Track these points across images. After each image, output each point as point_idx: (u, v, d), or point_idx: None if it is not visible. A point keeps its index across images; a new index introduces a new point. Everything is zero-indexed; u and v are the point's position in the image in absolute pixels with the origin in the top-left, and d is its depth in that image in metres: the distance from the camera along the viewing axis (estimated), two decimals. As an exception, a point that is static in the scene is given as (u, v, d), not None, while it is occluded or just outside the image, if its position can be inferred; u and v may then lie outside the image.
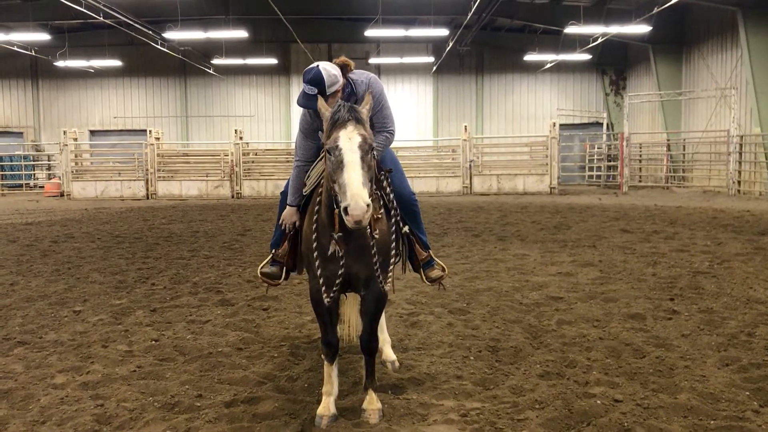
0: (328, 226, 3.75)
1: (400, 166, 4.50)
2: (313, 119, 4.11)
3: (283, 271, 4.54)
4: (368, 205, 3.27)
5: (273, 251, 4.55)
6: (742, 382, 4.38)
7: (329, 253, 3.77)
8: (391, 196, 4.09)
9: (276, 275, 4.52)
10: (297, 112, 4.52)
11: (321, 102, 3.78)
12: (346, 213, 3.28)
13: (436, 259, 4.55)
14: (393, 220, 4.08)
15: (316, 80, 3.88)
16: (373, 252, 3.78)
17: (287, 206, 4.33)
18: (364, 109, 3.70)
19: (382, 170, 4.09)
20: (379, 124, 4.14)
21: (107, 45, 30.23)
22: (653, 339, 5.39)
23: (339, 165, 3.40)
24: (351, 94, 4.13)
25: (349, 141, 3.44)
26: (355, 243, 3.75)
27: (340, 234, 3.65)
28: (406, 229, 4.28)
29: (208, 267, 9.20)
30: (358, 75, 4.20)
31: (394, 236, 4.02)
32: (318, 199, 3.90)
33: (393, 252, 3.99)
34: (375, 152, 3.71)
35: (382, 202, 4.02)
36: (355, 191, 3.27)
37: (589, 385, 4.40)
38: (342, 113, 3.53)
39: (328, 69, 3.94)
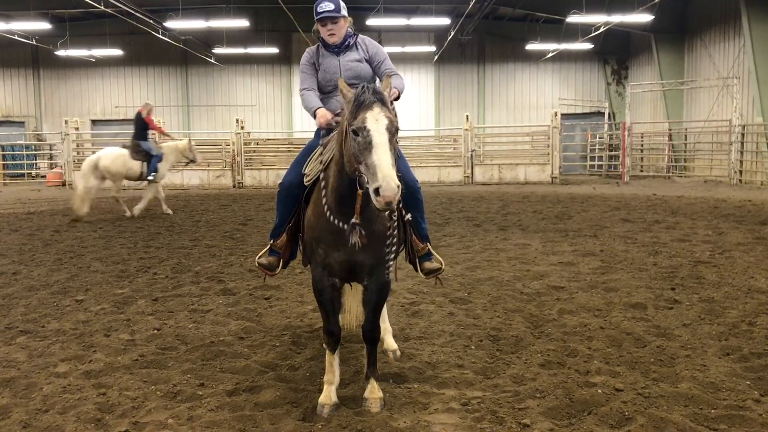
0: (338, 212, 3.76)
1: (401, 152, 4.47)
2: (313, 56, 4.64)
3: (280, 262, 4.56)
4: (398, 186, 3.25)
5: (272, 241, 4.56)
6: (743, 372, 4.39)
7: (350, 243, 3.73)
8: None
9: (273, 266, 4.55)
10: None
11: (342, 83, 3.77)
12: (377, 194, 3.23)
13: (434, 252, 4.52)
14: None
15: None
16: (385, 238, 3.82)
17: (318, 109, 4.44)
18: (386, 92, 3.70)
19: None
20: (389, 69, 4.61)
21: (108, 34, 30.10)
22: (654, 328, 5.40)
23: (367, 146, 3.37)
24: (351, 35, 4.65)
25: (376, 122, 3.42)
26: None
27: (356, 222, 3.67)
28: (408, 216, 4.26)
29: (209, 256, 9.22)
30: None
31: (395, 224, 4.00)
32: (323, 183, 3.90)
33: (392, 240, 3.98)
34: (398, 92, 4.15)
35: None
36: (387, 172, 3.25)
37: (590, 374, 4.41)
38: (367, 95, 3.51)
39: None
